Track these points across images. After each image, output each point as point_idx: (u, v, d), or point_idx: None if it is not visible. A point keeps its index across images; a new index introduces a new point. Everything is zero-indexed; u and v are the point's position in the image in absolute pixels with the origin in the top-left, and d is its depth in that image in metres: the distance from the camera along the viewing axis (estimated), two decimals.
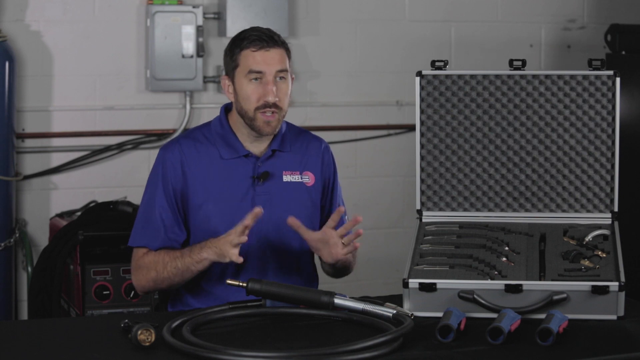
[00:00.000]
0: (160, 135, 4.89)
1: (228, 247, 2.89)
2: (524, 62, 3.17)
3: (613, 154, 3.13)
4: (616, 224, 3.11)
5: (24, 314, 4.62)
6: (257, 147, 3.14)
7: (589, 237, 3.03)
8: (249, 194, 3.10)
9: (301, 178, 3.17)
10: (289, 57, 3.10)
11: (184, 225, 3.11)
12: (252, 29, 3.10)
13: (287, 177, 3.15)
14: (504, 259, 2.95)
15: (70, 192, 4.76)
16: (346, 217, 3.19)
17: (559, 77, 3.15)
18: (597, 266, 2.90)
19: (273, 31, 3.10)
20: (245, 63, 3.05)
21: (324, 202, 3.24)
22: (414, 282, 2.84)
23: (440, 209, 3.20)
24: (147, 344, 2.51)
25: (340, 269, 3.17)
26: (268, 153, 3.13)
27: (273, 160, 3.14)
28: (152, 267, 3.04)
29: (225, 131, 3.14)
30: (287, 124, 3.22)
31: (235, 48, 3.08)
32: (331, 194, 3.25)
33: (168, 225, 3.08)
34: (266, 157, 3.13)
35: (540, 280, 2.87)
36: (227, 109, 3.20)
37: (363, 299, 2.81)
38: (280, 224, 3.08)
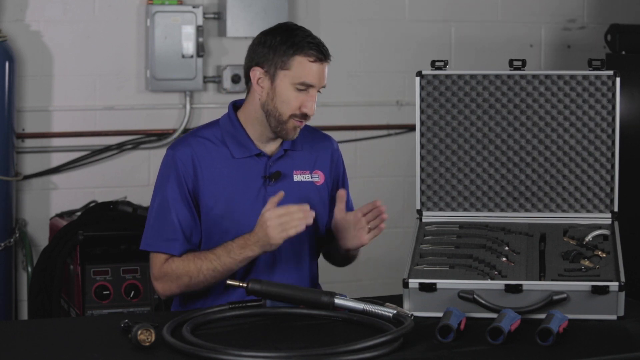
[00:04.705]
0: (160, 135, 4.90)
1: (280, 233, 2.88)
2: (524, 62, 3.17)
3: (613, 154, 3.13)
4: (616, 224, 3.11)
5: (24, 314, 4.62)
6: (269, 146, 3.10)
7: (589, 237, 3.03)
8: (260, 194, 3.06)
9: (311, 177, 3.15)
10: None
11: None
12: (306, 33, 3.02)
13: (297, 177, 3.12)
14: (504, 259, 2.95)
15: (70, 192, 4.76)
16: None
17: (559, 77, 3.15)
18: (597, 266, 2.90)
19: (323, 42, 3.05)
20: (300, 71, 2.98)
21: (333, 201, 3.22)
22: (414, 282, 2.84)
23: (440, 209, 3.20)
24: (147, 344, 2.51)
25: (349, 257, 3.22)
26: (280, 153, 3.10)
27: (284, 159, 3.11)
28: (184, 274, 2.98)
29: (236, 130, 3.08)
30: None
31: (287, 48, 2.99)
32: None
33: (186, 228, 3.02)
34: (278, 156, 3.10)
35: (540, 280, 2.87)
36: (235, 105, 3.15)
37: (363, 299, 2.81)
38: None
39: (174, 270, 2.99)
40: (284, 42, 3.00)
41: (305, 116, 3.01)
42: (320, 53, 3.00)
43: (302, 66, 2.99)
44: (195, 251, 3.03)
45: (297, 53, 2.98)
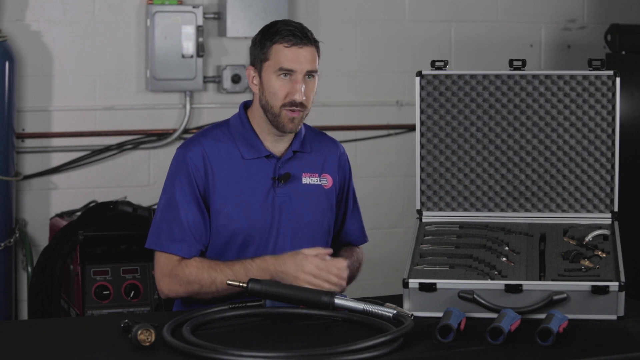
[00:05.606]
0: (160, 135, 4.90)
1: (307, 280, 2.89)
2: (524, 62, 3.17)
3: (613, 154, 3.13)
4: (616, 224, 3.11)
5: (24, 314, 4.62)
6: (278, 148, 3.11)
7: (589, 237, 3.03)
8: (269, 195, 3.07)
9: (320, 180, 3.15)
10: (319, 55, 3.06)
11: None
12: (285, 22, 3.05)
13: (306, 179, 3.13)
14: (504, 259, 2.95)
15: (70, 192, 4.77)
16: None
17: (559, 77, 3.15)
18: (597, 266, 2.90)
19: (306, 27, 3.05)
20: (277, 58, 3.01)
21: (339, 205, 3.23)
22: (414, 282, 2.84)
23: (440, 209, 3.20)
24: (147, 344, 2.51)
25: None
26: (289, 154, 3.11)
27: (293, 161, 3.12)
28: (195, 281, 2.97)
29: (246, 130, 3.09)
30: (304, 125, 3.17)
31: (266, 40, 3.03)
32: (346, 198, 3.26)
33: (195, 229, 3.01)
34: (287, 158, 3.11)
35: (540, 280, 2.87)
36: (245, 106, 3.16)
37: (363, 299, 2.81)
38: (297, 226, 3.08)
39: (187, 276, 2.99)
40: (263, 35, 3.05)
41: (294, 103, 3.01)
42: (296, 37, 3.01)
43: (279, 52, 3.01)
44: (209, 259, 3.02)
45: (275, 42, 3.02)
